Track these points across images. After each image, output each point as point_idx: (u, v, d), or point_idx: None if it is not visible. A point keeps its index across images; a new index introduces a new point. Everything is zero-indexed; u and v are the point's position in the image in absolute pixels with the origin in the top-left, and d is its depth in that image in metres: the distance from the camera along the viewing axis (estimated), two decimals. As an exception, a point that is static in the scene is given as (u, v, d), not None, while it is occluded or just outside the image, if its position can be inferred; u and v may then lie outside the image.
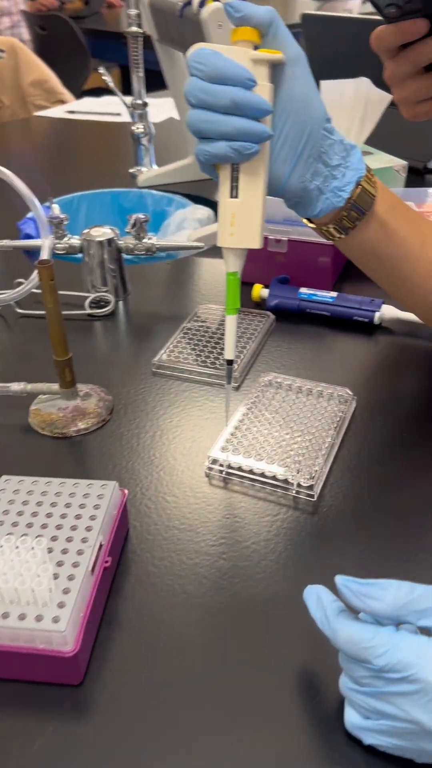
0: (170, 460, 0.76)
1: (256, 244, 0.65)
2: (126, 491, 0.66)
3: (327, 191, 0.69)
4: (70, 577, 0.50)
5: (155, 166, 1.61)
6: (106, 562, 0.55)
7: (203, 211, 1.37)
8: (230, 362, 0.72)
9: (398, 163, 1.28)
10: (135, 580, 0.59)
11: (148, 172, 1.58)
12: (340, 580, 0.44)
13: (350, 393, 0.84)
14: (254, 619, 0.56)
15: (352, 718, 0.45)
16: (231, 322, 0.69)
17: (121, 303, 1.09)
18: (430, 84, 0.71)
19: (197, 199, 1.47)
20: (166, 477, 0.74)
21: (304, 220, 0.78)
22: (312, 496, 0.71)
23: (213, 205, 1.35)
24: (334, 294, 1.03)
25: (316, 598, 0.46)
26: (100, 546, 0.55)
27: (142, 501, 0.70)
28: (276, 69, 0.60)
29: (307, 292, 1.05)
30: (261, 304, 1.08)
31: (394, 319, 0.99)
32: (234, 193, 0.63)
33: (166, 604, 0.58)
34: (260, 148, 0.60)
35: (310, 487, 0.71)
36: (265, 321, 1.02)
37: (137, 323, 1.05)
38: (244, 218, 0.63)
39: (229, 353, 0.71)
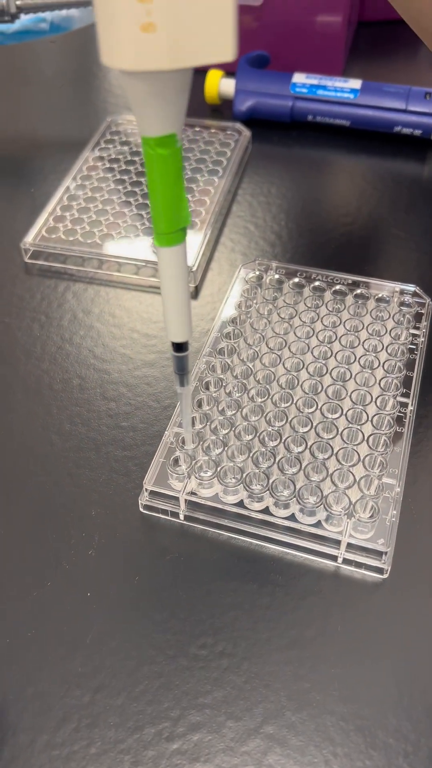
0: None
1: (226, 52, 0.22)
2: None
3: None
4: None
5: None
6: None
7: None
8: (180, 346, 0.29)
9: None
10: None
11: None
12: None
13: (420, 294, 0.42)
14: None
15: None
16: (171, 259, 0.27)
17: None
18: None
19: None
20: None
21: None
22: (382, 570, 0.32)
23: None
24: (355, 84, 0.56)
25: None
26: None
27: None
28: None
29: (307, 82, 0.57)
30: (222, 109, 0.60)
31: (470, 127, 0.55)
32: None
33: None
34: None
35: (379, 554, 0.32)
36: (233, 142, 0.55)
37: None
38: None
39: (176, 328, 0.29)
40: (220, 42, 0.21)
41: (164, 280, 0.27)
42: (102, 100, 0.63)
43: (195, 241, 0.47)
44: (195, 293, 0.45)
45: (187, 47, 0.21)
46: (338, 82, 0.57)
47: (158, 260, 0.27)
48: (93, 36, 0.71)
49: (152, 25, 0.20)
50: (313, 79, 0.57)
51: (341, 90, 0.56)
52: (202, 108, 0.61)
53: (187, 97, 0.23)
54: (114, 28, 0.21)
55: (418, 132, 0.55)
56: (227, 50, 0.21)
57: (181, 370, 0.31)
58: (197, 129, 0.57)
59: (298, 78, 0.58)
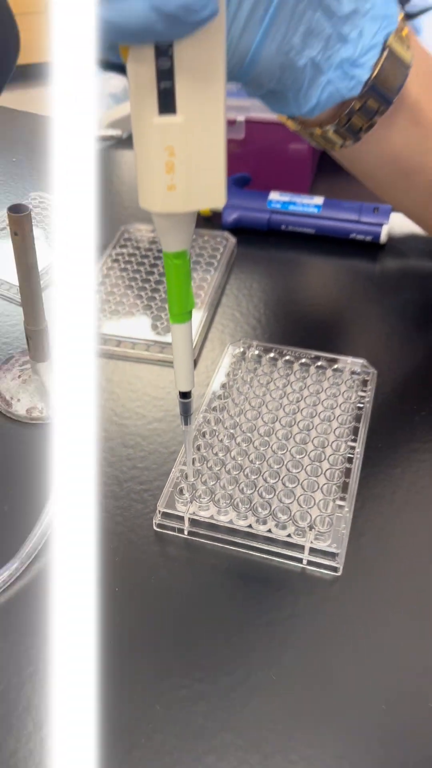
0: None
1: (220, 200, 0.34)
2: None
3: (329, 68, 0.40)
4: None
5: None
6: None
7: (117, 82, 0.98)
8: (185, 394, 0.41)
9: None
10: None
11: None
12: None
13: (367, 365, 0.54)
14: None
15: None
16: (181, 332, 0.39)
17: None
18: None
19: (108, 65, 1.06)
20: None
21: (283, 118, 0.50)
22: (336, 569, 0.43)
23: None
24: (318, 200, 0.71)
25: None
26: None
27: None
28: None
29: (280, 199, 0.72)
30: (213, 220, 0.75)
31: (409, 235, 0.69)
32: (167, 105, 0.31)
33: None
34: (218, 7, 0.29)
35: (333, 556, 0.43)
36: (222, 248, 0.69)
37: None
38: (193, 153, 0.32)
39: (183, 381, 0.41)
40: (216, 195, 0.33)
41: (175, 347, 0.39)
42: (115, 212, 0.77)
43: (193, 325, 0.59)
44: (194, 365, 0.57)
45: (195, 198, 0.33)
46: (305, 199, 0.71)
47: (171, 333, 0.39)
48: (103, 157, 0.87)
49: (174, 187, 0.33)
50: (285, 197, 0.72)
51: (307, 205, 0.71)
52: (198, 220, 0.74)
53: (193, 226, 0.35)
54: (150, 188, 0.33)
55: (369, 238, 0.69)
56: (220, 200, 0.34)
57: (186, 413, 0.42)
58: (193, 237, 0.70)
59: (274, 196, 0.72)
